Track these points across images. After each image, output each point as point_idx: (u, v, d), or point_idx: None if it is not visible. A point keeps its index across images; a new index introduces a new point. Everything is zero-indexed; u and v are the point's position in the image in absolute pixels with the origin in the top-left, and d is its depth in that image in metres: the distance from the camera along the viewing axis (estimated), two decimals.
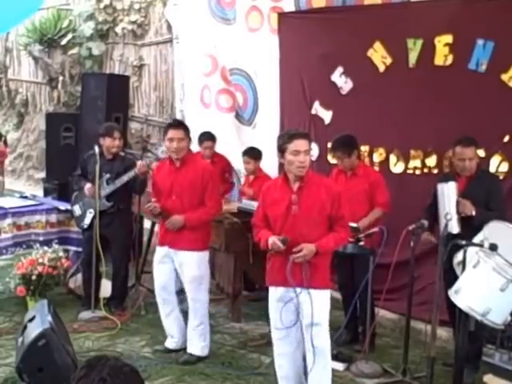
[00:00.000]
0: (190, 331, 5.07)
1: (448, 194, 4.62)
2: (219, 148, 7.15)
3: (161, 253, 5.11)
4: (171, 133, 4.93)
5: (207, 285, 5.11)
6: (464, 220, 4.54)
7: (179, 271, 5.06)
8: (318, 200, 3.96)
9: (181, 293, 5.28)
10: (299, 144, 3.93)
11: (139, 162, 5.63)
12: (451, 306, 4.34)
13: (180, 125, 5.07)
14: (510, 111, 5.27)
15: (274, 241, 3.95)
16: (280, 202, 4.04)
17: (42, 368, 4.14)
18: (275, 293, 4.11)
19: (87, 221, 5.91)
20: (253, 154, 6.70)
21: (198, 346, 5.04)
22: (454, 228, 4.49)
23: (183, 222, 4.92)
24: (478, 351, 4.73)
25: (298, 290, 3.95)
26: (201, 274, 5.00)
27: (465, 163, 4.71)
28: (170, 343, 5.24)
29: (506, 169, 5.37)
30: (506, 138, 5.35)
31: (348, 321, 5.17)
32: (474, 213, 4.55)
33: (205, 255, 5.05)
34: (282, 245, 3.92)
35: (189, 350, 5.05)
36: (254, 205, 5.71)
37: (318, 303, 3.96)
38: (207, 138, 7.02)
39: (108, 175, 5.82)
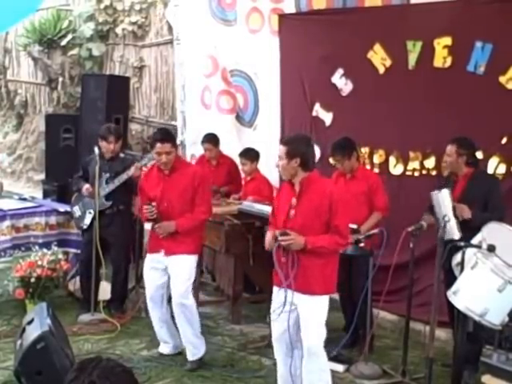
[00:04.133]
0: (183, 337, 4.99)
1: (443, 201, 4.61)
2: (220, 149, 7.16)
3: (150, 259, 5.03)
4: (158, 147, 4.80)
5: (190, 288, 4.98)
6: (462, 223, 4.54)
7: (170, 275, 4.97)
8: (313, 207, 3.93)
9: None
10: (279, 149, 4.06)
11: (133, 166, 5.64)
12: (451, 307, 4.34)
13: (166, 138, 4.87)
14: (507, 113, 5.27)
15: (268, 240, 4.05)
16: (284, 203, 4.07)
17: (40, 371, 4.12)
18: (275, 294, 4.11)
19: (87, 221, 5.91)
20: (249, 155, 6.69)
21: (192, 348, 4.97)
22: (456, 234, 4.49)
23: (174, 228, 4.85)
24: (479, 352, 4.73)
25: (289, 292, 3.94)
26: (189, 277, 4.91)
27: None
28: (164, 348, 5.19)
29: (503, 170, 5.38)
30: (504, 140, 5.36)
31: (348, 324, 5.17)
32: (470, 216, 4.55)
33: (195, 259, 4.99)
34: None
35: (187, 358, 4.98)
36: (254, 206, 5.73)
37: (308, 307, 3.96)
38: (207, 140, 7.03)
39: (107, 175, 5.83)
